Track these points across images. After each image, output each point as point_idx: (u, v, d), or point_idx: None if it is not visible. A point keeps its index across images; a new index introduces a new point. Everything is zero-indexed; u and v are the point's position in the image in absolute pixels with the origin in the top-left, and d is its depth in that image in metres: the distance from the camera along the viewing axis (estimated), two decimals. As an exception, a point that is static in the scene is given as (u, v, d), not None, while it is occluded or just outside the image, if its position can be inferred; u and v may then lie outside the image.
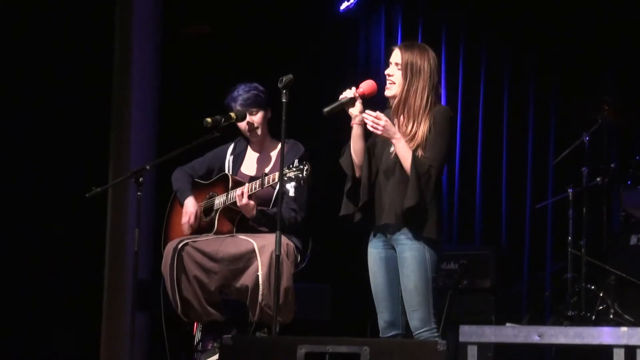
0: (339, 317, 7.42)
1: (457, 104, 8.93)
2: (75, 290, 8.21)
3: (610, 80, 8.22)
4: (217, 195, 6.03)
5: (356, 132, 5.17)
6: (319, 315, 7.20)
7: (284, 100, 5.29)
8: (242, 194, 5.80)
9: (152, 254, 7.62)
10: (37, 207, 8.08)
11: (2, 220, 7.97)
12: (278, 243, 5.22)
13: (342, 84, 5.25)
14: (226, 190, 5.98)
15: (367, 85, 5.19)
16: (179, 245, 5.83)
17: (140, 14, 8.54)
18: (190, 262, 5.81)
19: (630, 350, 6.00)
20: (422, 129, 5.09)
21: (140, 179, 5.95)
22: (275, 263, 5.25)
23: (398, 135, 5.05)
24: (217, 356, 5.77)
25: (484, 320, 7.32)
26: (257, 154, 6.18)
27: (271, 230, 5.65)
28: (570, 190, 7.46)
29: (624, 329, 6.28)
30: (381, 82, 5.27)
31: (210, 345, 5.94)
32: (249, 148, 6.22)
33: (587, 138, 7.47)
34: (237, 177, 6.04)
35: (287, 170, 5.39)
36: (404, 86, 5.11)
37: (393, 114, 5.20)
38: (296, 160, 5.49)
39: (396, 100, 5.15)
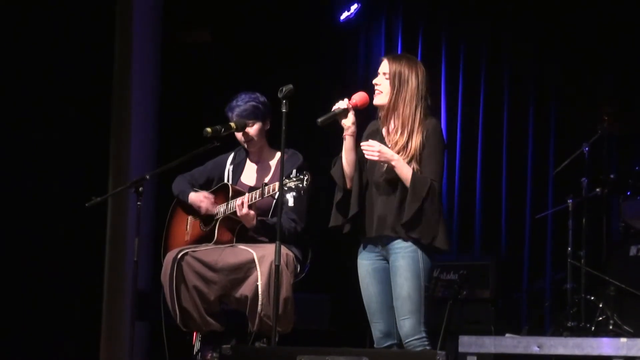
0: (338, 327, 7.42)
1: (457, 113, 8.94)
2: (75, 299, 8.21)
3: (610, 91, 8.22)
4: (217, 205, 6.03)
5: (348, 143, 5.21)
6: (318, 325, 7.20)
7: (283, 110, 5.30)
8: (242, 203, 5.80)
9: (151, 263, 7.63)
10: (37, 216, 8.08)
11: (1, 229, 7.97)
12: (278, 253, 5.22)
13: (343, 94, 5.27)
14: (226, 199, 5.97)
15: (360, 97, 5.24)
16: (179, 255, 5.83)
17: (140, 20, 8.55)
18: (189, 271, 5.81)
19: (629, 361, 6.01)
20: (415, 141, 5.12)
21: (140, 189, 5.96)
22: (275, 273, 5.25)
23: (396, 156, 5.09)
24: (216, 366, 5.77)
25: (483, 330, 7.32)
26: (256, 164, 6.18)
27: (271, 240, 5.65)
28: (570, 201, 7.47)
29: (623, 339, 6.29)
30: (373, 92, 5.31)
31: (210, 355, 5.93)
32: (248, 158, 6.22)
33: (587, 149, 7.48)
34: (237, 187, 6.04)
35: (287, 181, 5.39)
36: (392, 95, 5.17)
37: (382, 121, 5.25)
38: (295, 170, 5.49)
39: (385, 108, 5.21)
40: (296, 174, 5.42)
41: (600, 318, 7.14)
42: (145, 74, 8.57)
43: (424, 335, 5.10)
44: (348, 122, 5.19)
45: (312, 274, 6.03)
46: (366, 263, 5.26)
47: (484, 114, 8.89)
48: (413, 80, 5.17)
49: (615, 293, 7.21)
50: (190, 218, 6.21)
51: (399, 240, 5.13)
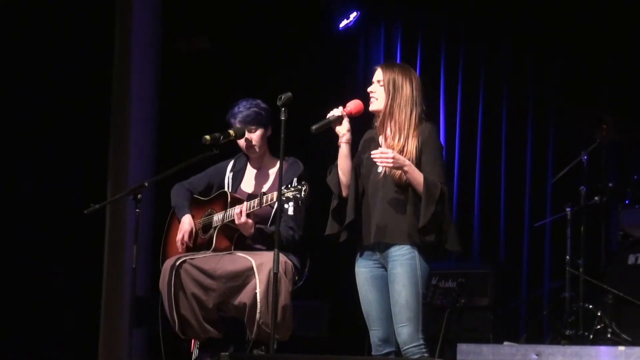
0: (336, 335, 7.42)
1: (455, 121, 8.95)
2: (74, 306, 8.21)
3: (609, 100, 8.23)
4: (216, 213, 6.03)
5: (343, 151, 5.24)
6: (317, 333, 7.20)
7: (282, 118, 5.30)
8: (241, 212, 5.80)
9: (150, 270, 7.62)
10: (36, 223, 8.08)
11: (1, 236, 7.97)
12: (276, 261, 5.22)
13: (342, 102, 5.28)
14: (225, 207, 5.97)
15: (354, 105, 5.27)
16: (177, 263, 5.83)
17: (140, 27, 8.56)
18: (188, 279, 5.80)
19: (627, 370, 6.02)
20: (411, 144, 5.16)
21: (139, 196, 5.95)
22: (274, 281, 5.25)
23: (407, 162, 5.10)
24: (214, 373, 5.77)
25: (481, 338, 7.32)
26: (256, 171, 6.18)
27: (269, 248, 5.65)
28: (568, 209, 7.47)
29: (621, 348, 6.30)
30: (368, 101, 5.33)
31: (208, 362, 5.93)
32: (248, 165, 6.22)
33: (586, 157, 7.49)
34: (236, 195, 6.04)
35: (285, 191, 5.39)
36: (388, 101, 5.22)
37: (379, 127, 5.28)
38: (295, 180, 5.49)
39: (381, 114, 5.25)
40: (295, 185, 5.42)
41: (599, 326, 7.14)
42: (144, 81, 8.58)
43: (422, 342, 5.11)
44: (343, 129, 5.22)
45: (310, 281, 6.03)
46: (364, 271, 5.27)
47: (483, 122, 8.90)
48: (407, 87, 5.23)
49: (614, 301, 7.21)
50: (188, 225, 6.21)
51: (397, 247, 5.14)
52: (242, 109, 6.07)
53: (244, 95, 6.21)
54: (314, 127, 5.19)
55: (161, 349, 6.08)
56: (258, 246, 5.93)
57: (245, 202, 5.84)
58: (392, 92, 5.22)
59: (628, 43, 8.21)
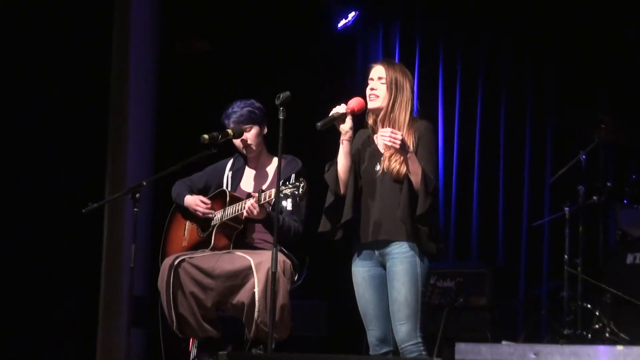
0: (334, 334, 7.42)
1: (454, 121, 8.95)
2: (72, 305, 8.21)
3: (607, 100, 8.24)
4: (215, 211, 6.04)
5: (345, 148, 5.23)
6: (315, 332, 7.21)
7: (281, 117, 5.30)
8: (253, 205, 5.77)
9: (148, 270, 7.62)
10: (34, 223, 8.08)
11: (-2, 235, 7.98)
12: (274, 260, 5.22)
13: (340, 101, 5.28)
14: (224, 206, 5.98)
15: (356, 102, 5.27)
16: (176, 262, 5.83)
17: (138, 27, 8.56)
18: (186, 278, 5.80)
19: (626, 369, 6.01)
20: (408, 141, 5.15)
21: (137, 195, 5.96)
22: (272, 280, 5.25)
23: (411, 149, 5.11)
24: (213, 373, 5.77)
25: (480, 338, 7.32)
26: (255, 170, 6.19)
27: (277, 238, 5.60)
28: (566, 209, 7.48)
29: (619, 347, 6.30)
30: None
31: (206, 361, 5.93)
32: (246, 164, 6.22)
33: (584, 157, 7.49)
34: (235, 194, 6.04)
35: (283, 188, 5.39)
36: (390, 100, 5.23)
37: (379, 124, 5.27)
38: (293, 177, 5.49)
39: (382, 112, 5.26)
40: (293, 182, 5.42)
41: (597, 326, 7.15)
42: (142, 80, 8.58)
43: (420, 340, 5.11)
44: (346, 126, 5.21)
45: (308, 280, 6.03)
46: (362, 270, 5.26)
47: (481, 122, 8.91)
48: (407, 87, 5.27)
49: (612, 301, 7.22)
50: (188, 224, 6.21)
51: (397, 245, 5.14)
52: (236, 109, 6.08)
53: (242, 94, 6.22)
54: (319, 124, 5.18)
55: (160, 348, 6.08)
56: (259, 244, 5.94)
57: (248, 199, 5.82)
58: (395, 92, 5.23)
59: (626, 43, 8.22)
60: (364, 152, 5.30)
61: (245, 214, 5.80)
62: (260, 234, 6.01)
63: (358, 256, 5.28)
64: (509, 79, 8.83)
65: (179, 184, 6.24)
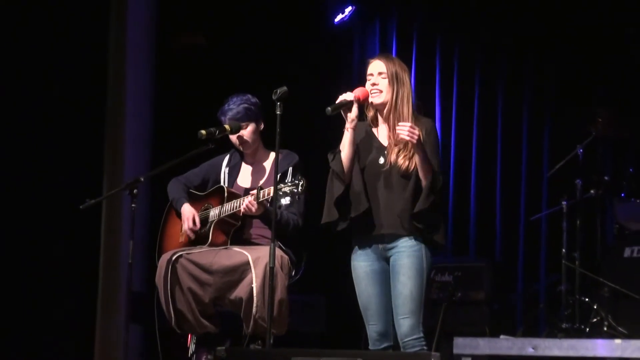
0: (333, 329, 7.42)
1: (451, 116, 8.95)
2: (70, 302, 8.20)
3: (604, 93, 8.24)
4: (212, 207, 6.03)
5: (349, 137, 5.23)
6: (314, 327, 7.21)
7: (278, 113, 5.29)
8: (250, 203, 5.77)
9: (146, 266, 7.61)
10: (31, 219, 8.07)
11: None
12: (272, 255, 5.22)
13: (337, 96, 5.28)
14: (222, 202, 5.97)
15: (361, 91, 5.28)
16: (173, 257, 5.82)
17: (135, 24, 8.54)
18: (184, 274, 5.80)
19: (624, 363, 6.02)
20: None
21: (135, 191, 5.95)
22: (270, 275, 5.25)
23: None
24: (211, 368, 5.77)
25: (478, 332, 7.32)
26: (251, 166, 6.18)
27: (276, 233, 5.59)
28: (564, 203, 7.48)
29: (617, 341, 6.31)
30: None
31: (204, 357, 5.93)
32: (243, 160, 6.21)
33: (581, 150, 7.50)
34: (232, 190, 6.04)
35: (282, 185, 5.39)
36: (393, 94, 5.23)
37: (383, 119, 5.28)
38: (290, 170, 5.48)
39: (387, 107, 5.26)
40: (291, 179, 5.42)
41: (595, 319, 7.16)
42: (139, 76, 8.57)
43: (422, 335, 5.11)
44: (353, 114, 5.21)
45: (307, 275, 6.03)
46: (363, 265, 5.25)
47: (479, 116, 8.91)
48: (407, 80, 5.27)
49: (610, 294, 7.23)
50: (185, 220, 6.21)
51: (404, 239, 5.15)
52: (232, 106, 6.06)
53: (239, 90, 6.20)
54: (329, 109, 5.18)
55: (157, 344, 6.08)
56: (257, 240, 5.94)
57: (251, 195, 5.81)
58: (397, 86, 5.23)
59: (623, 38, 8.21)
60: (364, 145, 5.29)
61: (243, 210, 5.80)
62: (257, 229, 6.01)
63: (360, 250, 5.27)
64: (506, 74, 8.83)
65: (175, 183, 6.22)
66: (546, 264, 8.43)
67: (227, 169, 6.20)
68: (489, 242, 8.69)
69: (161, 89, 8.69)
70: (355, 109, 5.20)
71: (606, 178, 7.61)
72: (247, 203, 5.75)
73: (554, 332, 7.18)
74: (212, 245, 5.93)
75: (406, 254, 5.13)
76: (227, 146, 6.21)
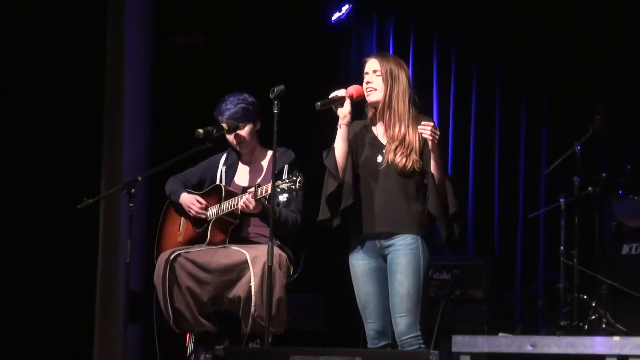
0: (332, 328, 7.41)
1: (448, 113, 8.95)
2: (68, 301, 8.20)
3: (602, 91, 8.24)
4: (210, 206, 6.03)
5: (342, 133, 5.25)
6: (312, 326, 7.20)
7: (275, 111, 5.30)
8: (248, 200, 5.77)
9: (144, 265, 7.61)
10: (29, 219, 8.07)
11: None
12: (270, 254, 5.22)
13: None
14: (219, 201, 5.97)
15: (355, 89, 5.31)
16: (172, 256, 5.82)
17: (132, 24, 8.54)
18: (182, 273, 5.80)
19: (622, 360, 6.02)
20: (411, 134, 5.20)
21: (132, 191, 5.95)
22: (268, 274, 5.25)
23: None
24: (209, 367, 5.77)
25: (476, 330, 7.32)
26: (248, 165, 6.18)
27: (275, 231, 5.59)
28: (562, 200, 7.48)
29: (616, 338, 6.31)
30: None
31: (203, 356, 5.92)
32: (240, 159, 6.21)
33: (579, 148, 7.50)
34: (230, 188, 6.04)
35: (279, 182, 5.39)
36: (387, 91, 5.26)
37: (379, 117, 5.30)
38: (286, 167, 5.49)
39: (380, 104, 5.28)
40: (289, 176, 5.42)
41: (593, 317, 7.16)
42: (137, 75, 8.56)
43: (419, 334, 5.11)
44: (344, 111, 5.24)
45: (305, 274, 6.03)
46: (362, 263, 5.26)
47: (476, 114, 8.91)
48: (403, 77, 5.28)
49: (608, 292, 7.23)
50: (183, 219, 6.20)
51: (401, 237, 5.15)
52: (230, 106, 6.05)
53: (237, 88, 6.19)
54: (318, 103, 5.22)
55: (156, 343, 6.07)
56: (255, 238, 5.94)
57: (244, 194, 5.81)
58: (391, 83, 5.25)
59: (621, 36, 8.21)
60: (361, 142, 5.31)
61: (240, 208, 5.79)
62: (256, 228, 6.01)
63: (358, 248, 5.28)
64: (503, 71, 8.83)
65: (173, 180, 6.23)
66: (544, 262, 8.44)
67: (224, 167, 6.20)
68: (487, 240, 8.69)
69: (159, 88, 8.69)
70: (347, 105, 5.23)
71: (604, 175, 7.61)
72: (244, 200, 5.75)
73: (552, 329, 7.18)
74: (210, 244, 5.93)
75: (403, 252, 5.14)
76: (224, 145, 6.21)
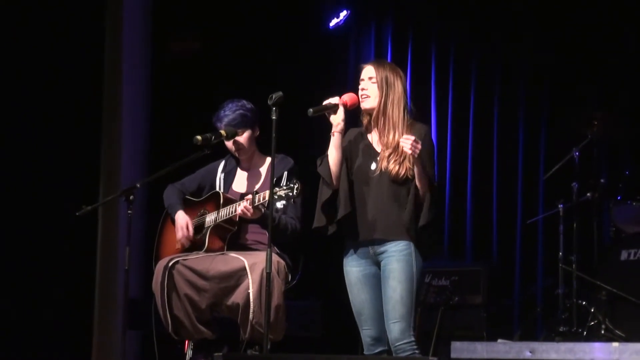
0: (330, 334, 7.41)
1: (447, 118, 8.95)
2: (66, 308, 8.19)
3: (600, 96, 8.23)
4: (209, 213, 6.03)
5: (336, 141, 5.25)
6: (310, 333, 7.19)
7: (273, 118, 5.30)
8: (246, 208, 5.77)
9: (143, 272, 7.61)
10: (28, 225, 8.06)
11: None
12: (269, 260, 5.22)
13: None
14: (217, 207, 5.97)
15: (349, 97, 5.31)
16: (170, 264, 5.82)
17: (130, 27, 8.55)
18: (181, 280, 5.80)
19: (621, 366, 6.01)
20: None
21: (131, 197, 5.95)
22: (266, 281, 5.25)
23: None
24: (208, 374, 5.76)
25: (475, 336, 7.32)
26: (247, 171, 6.18)
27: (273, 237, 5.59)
28: (560, 206, 7.48)
29: (615, 344, 6.31)
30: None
31: (201, 363, 5.93)
32: (238, 165, 6.21)
33: (577, 153, 7.49)
34: (228, 195, 6.04)
35: (277, 189, 5.39)
36: (381, 98, 5.26)
37: (373, 124, 5.30)
38: (285, 174, 5.49)
39: (375, 111, 5.28)
40: (286, 183, 5.42)
41: (592, 323, 7.15)
42: (135, 81, 8.57)
43: (413, 339, 5.11)
44: (338, 118, 5.24)
45: (303, 281, 6.03)
46: (355, 270, 5.26)
47: (474, 119, 8.90)
48: (399, 84, 5.28)
49: (607, 298, 7.22)
50: (181, 226, 6.20)
51: (393, 243, 5.15)
52: (228, 112, 6.06)
53: (236, 94, 6.20)
54: (311, 110, 5.22)
55: (155, 350, 6.07)
56: (253, 245, 5.94)
57: (246, 199, 5.81)
58: (386, 90, 5.25)
59: (620, 40, 8.21)
60: (356, 149, 5.32)
61: (239, 215, 5.79)
62: (254, 235, 6.00)
63: (351, 255, 5.28)
64: (501, 77, 8.82)
65: (171, 189, 6.23)
66: (543, 268, 8.42)
67: (223, 174, 6.20)
68: (485, 246, 8.68)
69: (157, 94, 8.69)
70: (340, 112, 5.24)
71: (602, 181, 7.61)
72: (242, 207, 5.75)
73: (551, 335, 7.18)
74: (208, 251, 5.93)
75: (396, 258, 5.14)
76: (222, 152, 6.21)
